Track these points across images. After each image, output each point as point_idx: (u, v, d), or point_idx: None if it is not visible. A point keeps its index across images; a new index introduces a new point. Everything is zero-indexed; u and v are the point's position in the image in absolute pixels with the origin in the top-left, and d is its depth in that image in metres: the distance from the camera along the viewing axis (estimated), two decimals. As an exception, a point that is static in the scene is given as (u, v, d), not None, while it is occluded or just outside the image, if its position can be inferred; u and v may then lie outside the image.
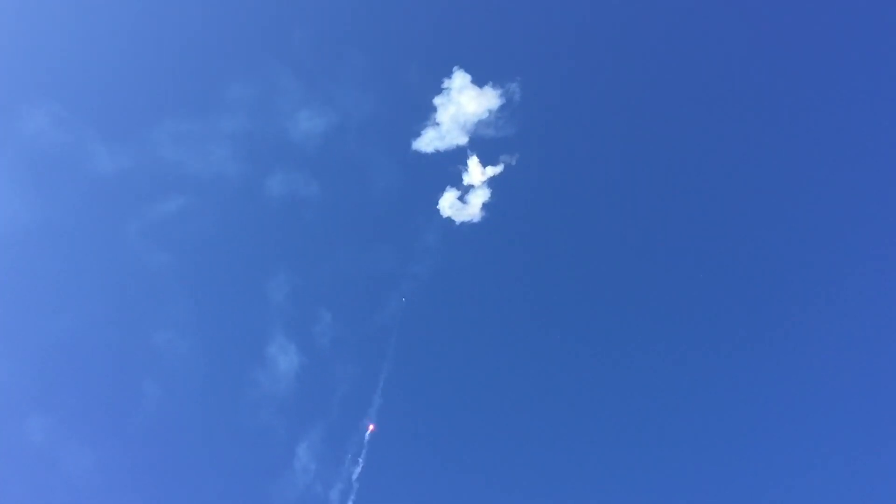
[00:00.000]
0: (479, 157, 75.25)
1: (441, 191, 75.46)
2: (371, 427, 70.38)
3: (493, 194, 74.89)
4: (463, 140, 75.52)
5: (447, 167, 75.67)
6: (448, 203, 75.11)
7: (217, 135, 79.73)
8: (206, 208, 79.27)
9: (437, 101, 76.04)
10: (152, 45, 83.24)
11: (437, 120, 75.90)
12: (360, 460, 70.30)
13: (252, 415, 73.08)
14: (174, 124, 79.57)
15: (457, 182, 75.29)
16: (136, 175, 78.91)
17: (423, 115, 76.22)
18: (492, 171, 74.86)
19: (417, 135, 76.16)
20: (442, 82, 75.92)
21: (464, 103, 75.48)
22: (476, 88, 75.45)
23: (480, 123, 75.55)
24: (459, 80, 75.79)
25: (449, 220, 75.17)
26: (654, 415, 70.34)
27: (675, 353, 71.54)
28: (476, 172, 74.84)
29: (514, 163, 75.11)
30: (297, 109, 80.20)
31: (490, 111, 75.36)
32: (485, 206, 74.96)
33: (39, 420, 72.66)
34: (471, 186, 75.02)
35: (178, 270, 77.86)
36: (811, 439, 66.16)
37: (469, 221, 75.15)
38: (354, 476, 70.15)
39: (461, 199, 75.08)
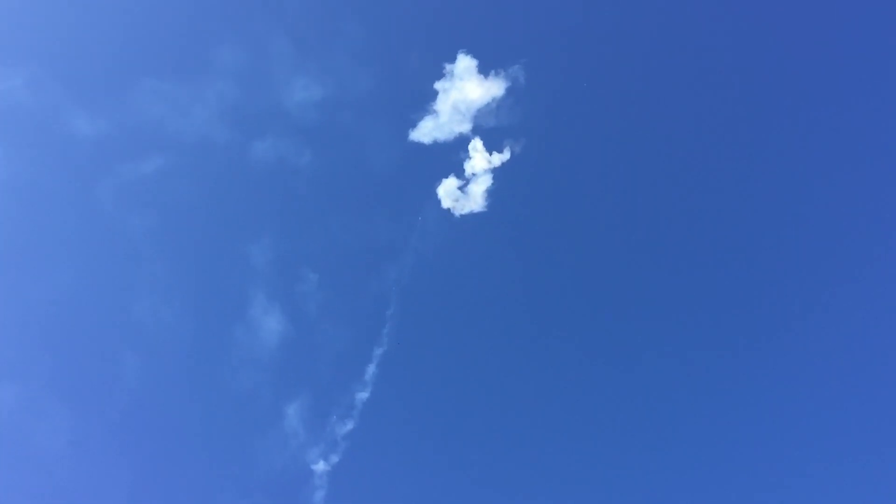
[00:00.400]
0: (481, 145, 73.20)
1: (441, 178, 73.51)
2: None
3: (495, 184, 73.26)
4: (465, 127, 73.42)
5: (448, 154, 73.90)
6: (448, 192, 72.76)
7: (204, 97, 77.07)
8: (190, 172, 76.90)
9: (438, 85, 73.85)
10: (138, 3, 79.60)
11: (439, 105, 73.83)
12: (349, 422, 69.64)
13: (237, 382, 71.75)
14: (159, 85, 77.00)
15: (458, 170, 73.49)
16: (116, 138, 76.02)
17: (424, 98, 74.17)
18: (496, 159, 72.84)
19: (417, 119, 74.10)
20: (444, 66, 73.82)
21: (467, 89, 73.32)
22: (481, 74, 73.54)
23: (484, 110, 73.60)
24: (463, 64, 73.62)
25: (448, 209, 73.44)
26: (658, 410, 70.34)
27: (680, 350, 71.14)
28: (479, 161, 72.57)
29: (518, 152, 73.37)
30: (290, 77, 77.74)
31: (494, 98, 73.51)
32: (487, 195, 73.34)
33: (10, 392, 70.61)
34: (472, 175, 72.82)
35: (158, 234, 75.70)
36: (812, 441, 65.97)
37: (470, 212, 73.54)
38: (340, 437, 69.48)
39: (462, 188, 72.92)
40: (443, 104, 73.33)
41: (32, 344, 72.58)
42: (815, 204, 71.79)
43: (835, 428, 65.85)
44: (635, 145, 75.74)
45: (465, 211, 72.67)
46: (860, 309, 68.45)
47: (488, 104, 73.20)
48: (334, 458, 69.03)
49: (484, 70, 73.17)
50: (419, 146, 73.71)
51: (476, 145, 72.63)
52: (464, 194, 72.56)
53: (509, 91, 73.22)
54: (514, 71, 73.37)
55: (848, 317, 68.42)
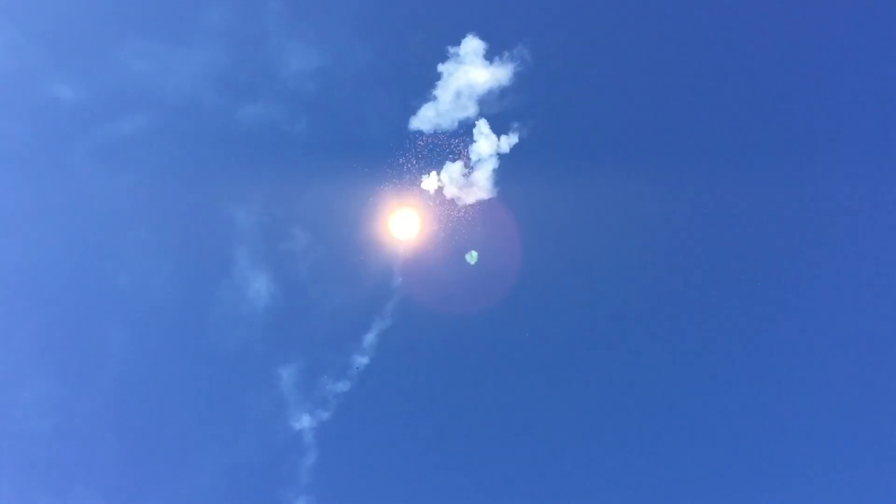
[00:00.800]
0: (486, 132, 70.84)
1: (444, 161, 71.34)
2: None
3: (501, 170, 71.12)
4: (470, 112, 71.06)
5: (452, 138, 71.41)
6: (452, 178, 70.54)
7: (193, 59, 73.98)
8: (178, 134, 73.97)
9: (443, 67, 71.23)
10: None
11: (443, 87, 71.13)
12: (341, 383, 69.16)
13: (227, 345, 70.51)
14: (145, 46, 73.76)
15: (462, 155, 71.18)
16: (98, 100, 73.04)
17: (428, 80, 71.53)
18: (503, 144, 70.57)
19: (420, 101, 71.54)
20: (449, 48, 71.09)
21: (473, 72, 70.78)
22: (487, 57, 71.15)
23: (491, 94, 71.19)
24: (469, 46, 70.93)
25: (450, 195, 71.21)
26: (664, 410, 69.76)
27: (688, 342, 70.82)
28: (484, 145, 70.48)
29: (524, 139, 71.27)
30: (284, 41, 74.77)
31: (501, 81, 71.08)
32: (493, 181, 71.20)
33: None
34: (478, 161, 70.71)
35: (144, 197, 72.69)
36: (813, 443, 66.04)
37: (476, 200, 71.23)
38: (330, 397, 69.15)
39: (464, 175, 70.82)
40: (448, 86, 71.01)
41: (14, 311, 70.30)
42: (822, 205, 71.36)
43: (834, 430, 66.36)
44: (648, 132, 74.00)
45: (470, 198, 70.83)
46: (860, 310, 68.63)
47: (495, 87, 71.07)
48: (323, 416, 68.50)
49: (491, 52, 70.97)
50: (421, 127, 71.58)
51: (481, 130, 70.44)
52: (468, 181, 70.59)
53: (517, 74, 71.13)
54: (522, 53, 71.21)
55: (848, 318, 68.59)
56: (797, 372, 67.68)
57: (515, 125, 70.68)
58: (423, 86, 71.60)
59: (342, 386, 69.11)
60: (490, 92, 70.85)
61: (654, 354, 70.08)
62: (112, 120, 72.97)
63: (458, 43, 70.99)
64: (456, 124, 70.89)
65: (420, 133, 71.08)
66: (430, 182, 70.47)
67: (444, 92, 70.86)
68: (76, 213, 72.98)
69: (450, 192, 70.37)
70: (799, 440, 65.95)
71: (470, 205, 70.64)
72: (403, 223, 71.24)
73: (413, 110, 71.13)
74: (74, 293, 71.60)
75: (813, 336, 68.21)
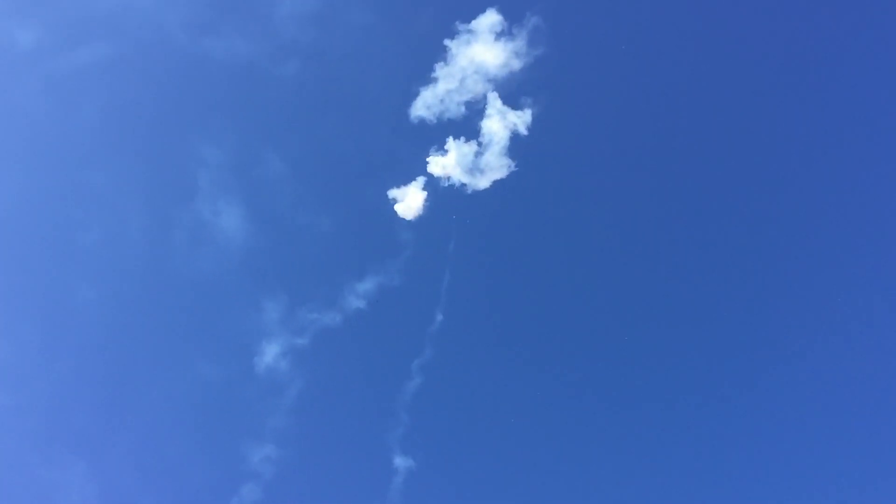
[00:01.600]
0: (497, 110, 66.48)
1: (446, 143, 66.45)
2: None
3: (513, 150, 66.51)
4: (481, 89, 66.24)
5: (459, 118, 66.64)
6: (461, 160, 66.64)
7: None
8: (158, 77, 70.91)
9: (453, 43, 66.46)
10: None
11: (453, 62, 66.32)
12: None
13: (202, 277, 68.13)
14: None
15: (473, 134, 66.33)
16: (61, 32, 69.95)
17: (436, 56, 66.72)
18: (519, 123, 66.69)
19: (425, 79, 66.71)
20: (460, 24, 66.33)
21: (483, 48, 66.18)
22: (501, 32, 66.42)
23: (502, 73, 66.47)
24: (484, 20, 66.20)
25: (461, 182, 66.50)
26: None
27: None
28: (496, 124, 66.67)
29: (538, 115, 66.77)
30: None
31: (513, 59, 66.38)
32: (504, 163, 66.73)
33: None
34: (489, 142, 66.87)
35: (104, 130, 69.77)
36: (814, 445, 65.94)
37: (491, 182, 66.74)
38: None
39: (477, 155, 66.90)
40: (457, 62, 66.40)
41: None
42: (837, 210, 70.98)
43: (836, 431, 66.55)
44: (666, 116, 70.29)
45: (479, 181, 67.12)
46: (860, 311, 68.78)
47: (507, 64, 66.47)
48: (301, 342, 66.05)
49: (504, 28, 66.49)
50: (425, 108, 66.82)
51: (495, 106, 66.49)
52: (476, 164, 66.91)
53: (531, 52, 66.67)
54: (537, 25, 66.86)
55: (850, 321, 68.61)
56: (796, 371, 68.22)
57: (528, 101, 66.67)
58: (431, 62, 67.10)
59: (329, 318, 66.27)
60: (504, 68, 66.76)
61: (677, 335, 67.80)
62: (71, 50, 69.15)
63: (467, 19, 66.54)
64: (465, 102, 66.63)
65: (424, 114, 66.82)
66: (436, 162, 67.14)
67: (455, 68, 66.37)
68: (33, 154, 69.27)
69: (457, 175, 67.13)
70: (796, 438, 66.62)
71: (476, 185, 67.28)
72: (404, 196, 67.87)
73: (420, 88, 66.80)
74: (40, 242, 68.62)
75: (812, 335, 68.65)
